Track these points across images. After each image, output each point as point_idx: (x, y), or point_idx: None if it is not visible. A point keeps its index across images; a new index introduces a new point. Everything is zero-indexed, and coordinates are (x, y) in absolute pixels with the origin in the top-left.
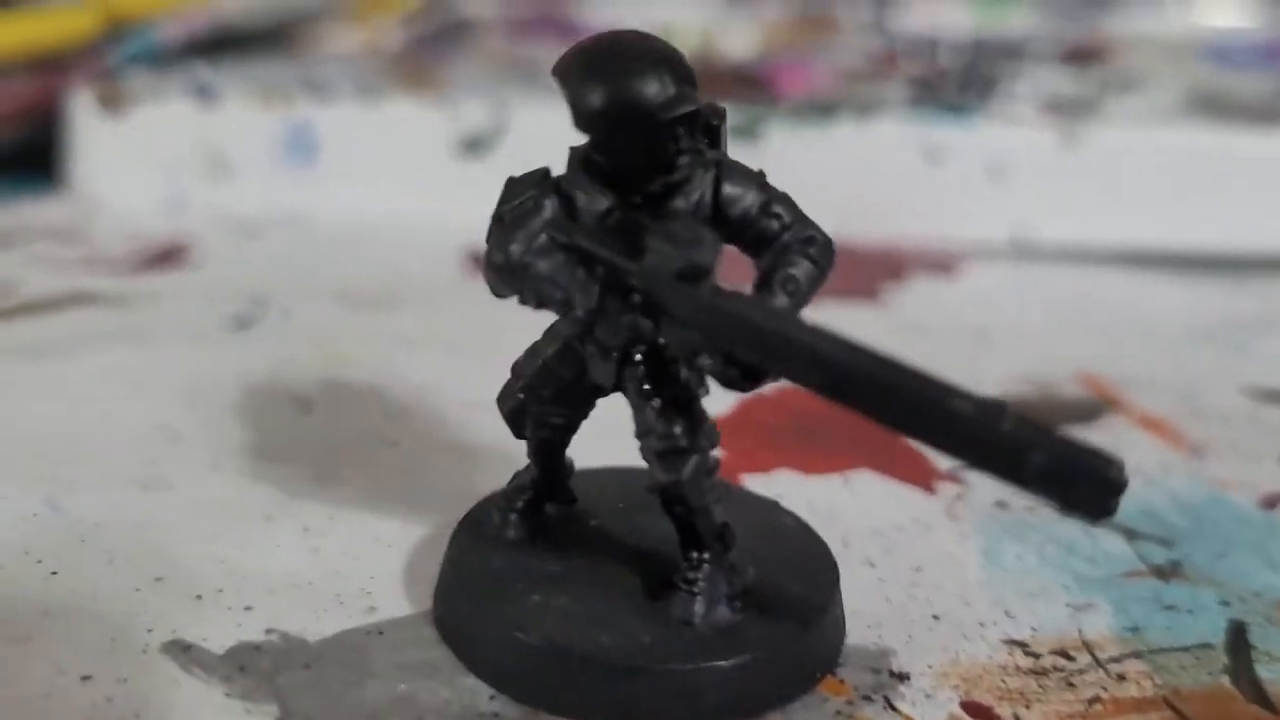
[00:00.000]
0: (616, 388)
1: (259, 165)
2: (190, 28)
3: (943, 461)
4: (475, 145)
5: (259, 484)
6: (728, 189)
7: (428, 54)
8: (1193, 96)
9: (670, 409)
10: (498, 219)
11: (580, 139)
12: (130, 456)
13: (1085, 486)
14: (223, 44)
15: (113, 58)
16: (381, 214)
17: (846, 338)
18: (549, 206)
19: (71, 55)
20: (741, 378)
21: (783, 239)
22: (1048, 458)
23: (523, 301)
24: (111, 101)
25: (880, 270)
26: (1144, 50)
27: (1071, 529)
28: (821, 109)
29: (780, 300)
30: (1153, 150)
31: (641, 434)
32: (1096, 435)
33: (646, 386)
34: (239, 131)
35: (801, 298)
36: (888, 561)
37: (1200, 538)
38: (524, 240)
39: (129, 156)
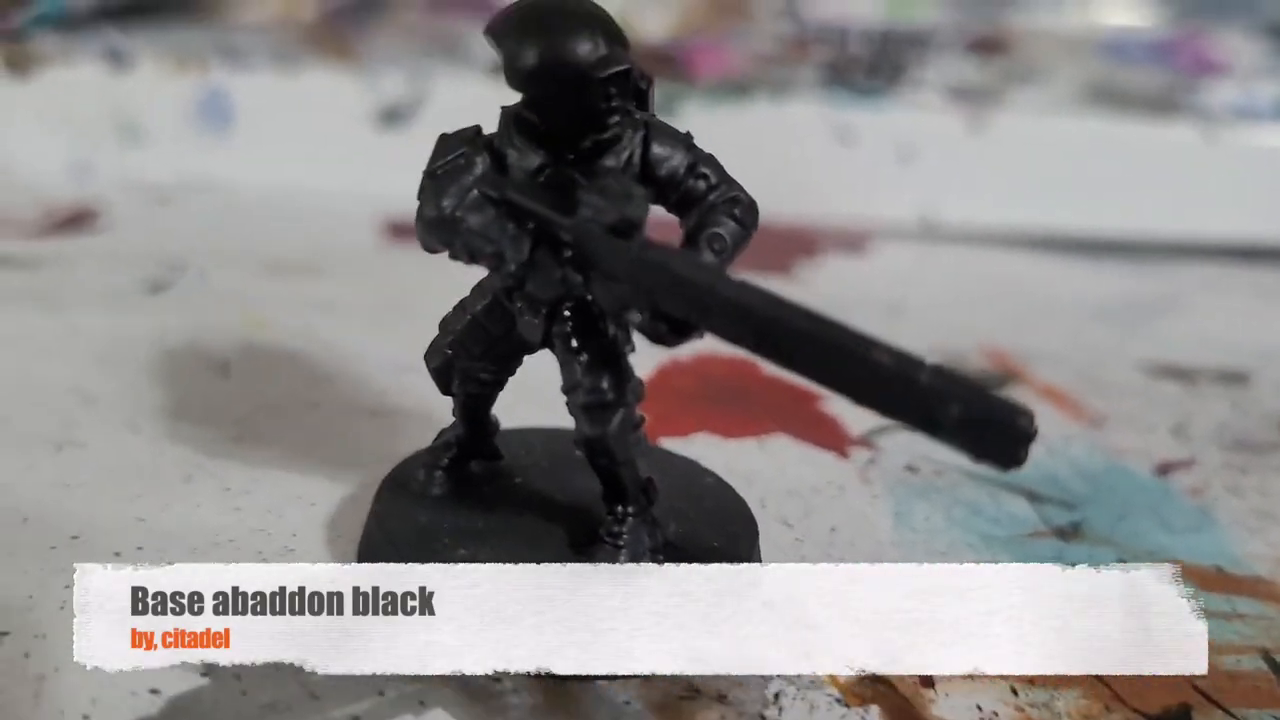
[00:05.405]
0: (544, 344)
1: (171, 132)
2: None
3: (855, 426)
4: (393, 116)
5: (177, 445)
6: (656, 149)
7: (345, 25)
8: (1090, 88)
9: (598, 363)
10: (430, 175)
11: (512, 99)
12: (42, 418)
13: (998, 436)
14: (134, 8)
15: (20, 19)
16: (298, 183)
17: (771, 292)
18: (480, 163)
19: None
20: (670, 332)
21: (709, 199)
22: (964, 408)
23: (454, 256)
24: (18, 64)
25: (794, 246)
26: (1043, 44)
27: (975, 492)
28: (737, 88)
29: (707, 257)
30: (1055, 137)
31: (569, 388)
32: None
33: (574, 342)
34: (151, 97)
35: (728, 255)
36: (805, 522)
37: (1099, 502)
38: (456, 195)
39: (36, 120)
